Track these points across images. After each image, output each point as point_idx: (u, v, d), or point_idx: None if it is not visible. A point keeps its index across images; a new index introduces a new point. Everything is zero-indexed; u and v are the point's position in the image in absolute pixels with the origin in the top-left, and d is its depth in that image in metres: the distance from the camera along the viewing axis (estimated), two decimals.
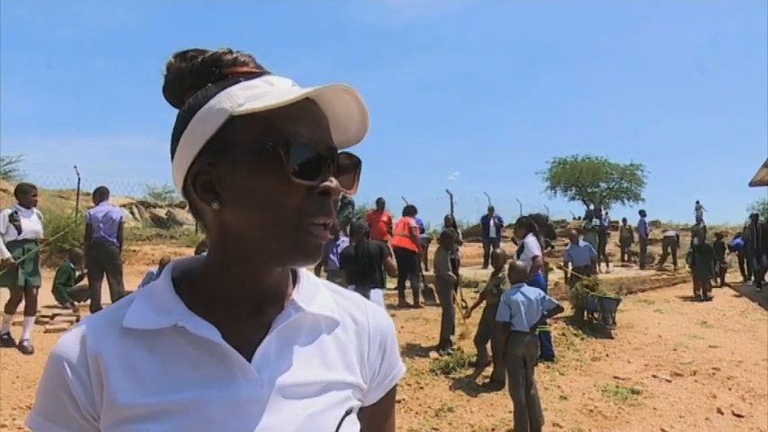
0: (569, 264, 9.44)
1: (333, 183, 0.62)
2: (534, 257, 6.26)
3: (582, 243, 9.68)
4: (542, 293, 4.95)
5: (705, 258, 11.05)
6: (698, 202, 19.27)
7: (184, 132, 0.64)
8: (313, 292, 0.71)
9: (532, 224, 6.87)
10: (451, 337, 6.62)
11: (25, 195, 5.67)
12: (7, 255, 5.39)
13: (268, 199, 0.60)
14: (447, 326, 6.58)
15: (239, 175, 0.61)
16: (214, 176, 0.62)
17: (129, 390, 0.61)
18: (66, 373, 0.62)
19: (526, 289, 4.91)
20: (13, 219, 5.49)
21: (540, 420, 4.69)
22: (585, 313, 8.14)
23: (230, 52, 0.67)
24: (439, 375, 5.85)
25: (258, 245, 0.62)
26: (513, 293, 4.88)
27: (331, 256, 7.44)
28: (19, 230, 5.50)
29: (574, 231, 10.59)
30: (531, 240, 6.52)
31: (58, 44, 65.55)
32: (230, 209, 0.62)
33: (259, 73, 0.66)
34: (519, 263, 5.38)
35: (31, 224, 5.64)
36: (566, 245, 10.76)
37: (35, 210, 5.78)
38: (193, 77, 0.65)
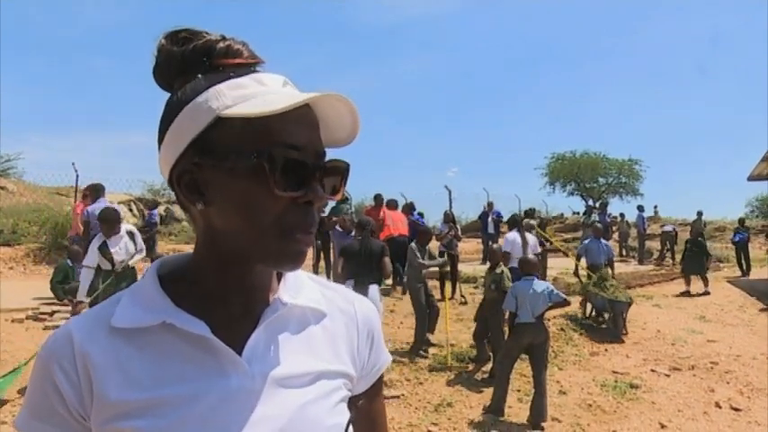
0: (582, 258, 8.87)
1: (318, 193, 0.61)
2: (503, 253, 6.69)
3: (604, 242, 8.87)
4: (550, 287, 5.05)
5: (696, 254, 10.77)
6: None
7: (171, 127, 0.62)
8: (299, 285, 0.71)
9: (517, 221, 7.65)
10: (428, 336, 6.35)
11: (111, 226, 5.11)
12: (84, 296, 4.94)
13: (251, 206, 0.60)
14: (420, 326, 6.29)
15: (223, 179, 0.60)
16: (198, 176, 0.61)
17: (119, 386, 0.60)
18: (54, 372, 0.61)
19: (536, 283, 5.00)
20: (103, 252, 5.03)
21: (543, 414, 4.71)
22: (593, 312, 7.83)
23: (223, 39, 0.64)
24: (438, 371, 5.87)
25: (243, 247, 0.62)
26: (521, 285, 4.99)
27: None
28: (112, 263, 5.06)
29: (599, 225, 9.68)
30: (508, 236, 7.25)
31: (56, 42, 65.30)
32: (215, 209, 0.62)
33: (252, 64, 0.65)
34: (530, 256, 5.48)
35: (121, 252, 5.17)
36: (585, 238, 9.96)
37: (122, 226, 5.27)
38: (183, 64, 0.64)
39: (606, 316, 7.69)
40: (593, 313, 7.95)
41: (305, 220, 0.61)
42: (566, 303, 5.11)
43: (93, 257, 5.06)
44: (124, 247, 5.21)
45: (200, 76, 0.63)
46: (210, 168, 0.60)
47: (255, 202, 0.59)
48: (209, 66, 0.63)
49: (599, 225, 9.49)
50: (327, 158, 0.65)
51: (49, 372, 0.62)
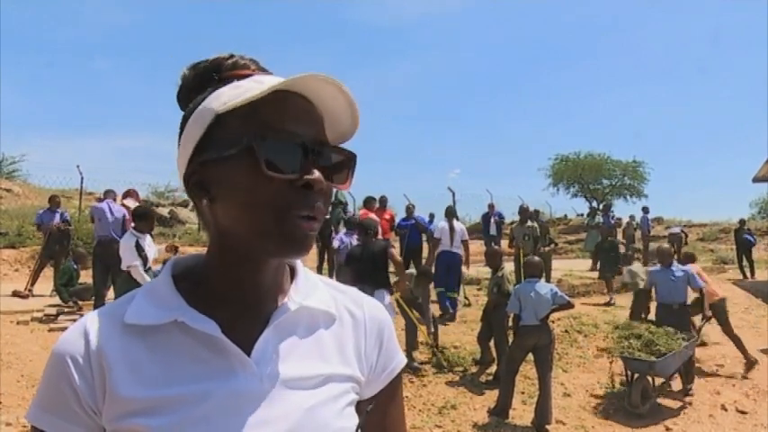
0: (652, 294, 6.44)
1: (315, 175, 0.61)
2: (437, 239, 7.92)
3: (679, 268, 5.98)
4: (554, 289, 5.03)
5: (609, 257, 9.37)
6: (604, 206, 24.07)
7: (182, 135, 0.67)
8: (310, 287, 0.72)
9: (450, 212, 8.38)
10: (413, 353, 6.04)
11: (148, 223, 5.22)
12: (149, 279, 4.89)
13: (248, 193, 0.61)
14: (410, 339, 6.03)
15: (222, 171, 0.62)
16: (204, 175, 0.64)
17: (131, 383, 0.62)
18: (68, 368, 0.63)
19: (539, 285, 4.98)
20: (139, 250, 5.04)
21: (547, 416, 4.70)
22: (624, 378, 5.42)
23: (231, 57, 0.69)
24: (442, 373, 5.86)
25: (247, 239, 0.63)
26: (524, 287, 4.98)
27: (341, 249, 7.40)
28: (145, 261, 5.06)
29: (666, 246, 6.57)
30: (438, 224, 8.12)
31: (58, 43, 65.66)
32: (219, 205, 0.64)
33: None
34: (535, 258, 5.45)
35: (152, 250, 5.25)
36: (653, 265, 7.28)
37: None
38: (196, 83, 0.69)
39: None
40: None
41: (304, 202, 0.62)
42: (570, 306, 5.09)
43: (134, 255, 5.00)
44: (151, 245, 5.31)
45: (209, 89, 0.67)
46: (213, 165, 0.63)
47: (251, 187, 0.61)
48: (219, 80, 0.68)
49: (665, 247, 6.45)
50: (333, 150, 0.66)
51: (63, 367, 0.63)
